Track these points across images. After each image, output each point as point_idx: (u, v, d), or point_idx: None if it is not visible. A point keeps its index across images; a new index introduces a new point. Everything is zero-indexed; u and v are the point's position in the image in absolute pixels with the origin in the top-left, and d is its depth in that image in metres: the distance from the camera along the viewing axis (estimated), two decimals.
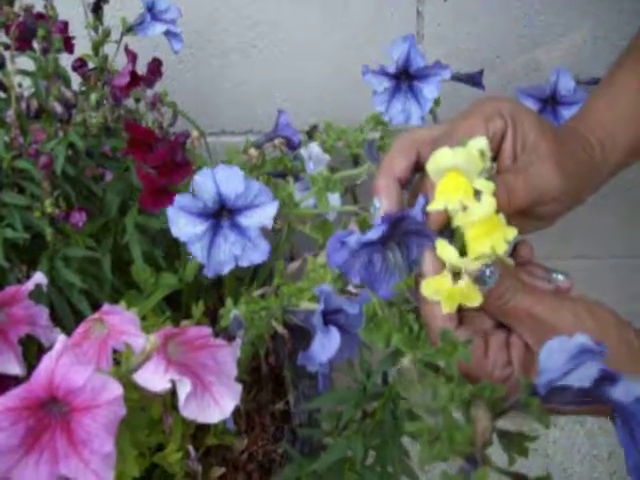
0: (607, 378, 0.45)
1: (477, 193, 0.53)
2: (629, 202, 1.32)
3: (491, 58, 1.19)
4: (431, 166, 0.54)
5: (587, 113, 0.72)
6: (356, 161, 1.11)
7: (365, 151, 0.94)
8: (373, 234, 0.54)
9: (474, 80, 1.10)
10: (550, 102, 1.09)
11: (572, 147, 0.65)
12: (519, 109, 0.63)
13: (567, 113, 1.09)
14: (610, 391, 0.45)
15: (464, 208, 0.53)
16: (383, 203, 0.60)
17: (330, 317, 0.67)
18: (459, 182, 0.53)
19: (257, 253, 0.75)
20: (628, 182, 1.29)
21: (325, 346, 0.64)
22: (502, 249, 0.53)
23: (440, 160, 0.54)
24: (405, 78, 1.02)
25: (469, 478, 0.44)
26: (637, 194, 1.32)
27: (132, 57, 0.91)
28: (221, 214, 0.75)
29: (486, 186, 0.53)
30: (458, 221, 0.54)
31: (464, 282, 0.54)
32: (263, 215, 0.74)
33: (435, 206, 0.53)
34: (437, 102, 1.06)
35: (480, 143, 0.55)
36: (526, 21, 1.17)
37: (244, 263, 0.76)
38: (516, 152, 0.62)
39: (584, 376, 0.45)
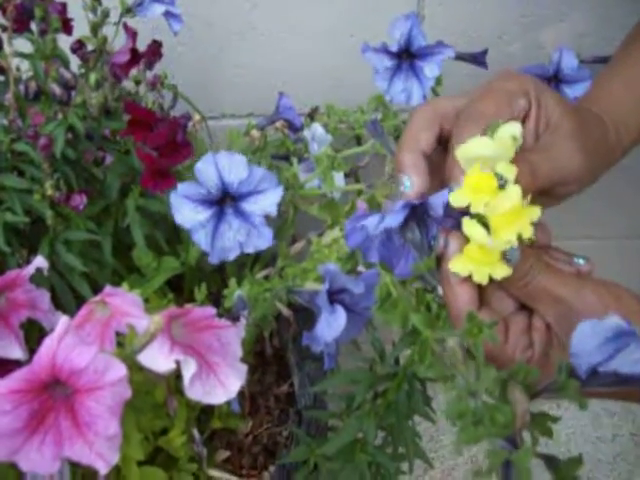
0: None
1: (500, 178, 0.53)
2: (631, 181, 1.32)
3: (493, 38, 1.18)
4: (461, 153, 0.53)
5: (601, 94, 0.71)
6: (359, 142, 1.10)
7: (368, 128, 0.93)
8: (394, 220, 0.53)
9: (477, 60, 1.09)
10: (553, 81, 1.08)
11: (591, 127, 0.64)
12: (542, 88, 0.62)
13: (570, 92, 1.08)
14: None
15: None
16: (413, 181, 0.58)
17: (335, 296, 0.66)
18: (486, 181, 0.52)
19: (262, 239, 0.75)
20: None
21: (331, 325, 0.64)
22: (529, 234, 0.53)
23: (471, 149, 0.53)
24: (406, 57, 1.01)
25: (512, 455, 0.44)
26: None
27: (132, 35, 0.89)
28: (225, 201, 0.74)
29: (509, 170, 0.52)
30: (482, 210, 0.53)
31: (491, 249, 0.53)
32: (267, 201, 0.74)
33: (459, 202, 0.53)
34: (439, 81, 1.05)
35: (513, 129, 0.54)
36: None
37: (249, 249, 0.76)
38: (538, 131, 0.61)
39: (635, 360, 0.45)
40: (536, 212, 0.53)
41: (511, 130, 0.54)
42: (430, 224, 0.57)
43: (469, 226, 0.53)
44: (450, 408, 0.47)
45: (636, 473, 1.43)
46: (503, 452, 0.45)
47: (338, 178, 0.95)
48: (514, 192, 0.52)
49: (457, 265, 0.54)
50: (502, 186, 0.52)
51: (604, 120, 0.67)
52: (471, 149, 0.53)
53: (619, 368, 0.45)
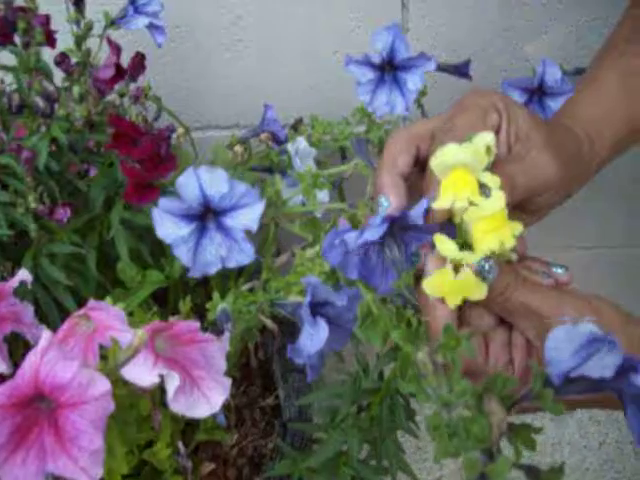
0: (629, 367, 0.45)
1: (482, 187, 0.53)
2: (615, 189, 1.32)
3: (477, 50, 1.19)
4: (436, 162, 0.53)
5: (574, 109, 0.72)
6: (343, 154, 1.10)
7: (353, 146, 0.93)
8: (373, 235, 0.53)
9: (460, 71, 1.09)
10: (537, 93, 1.09)
11: (563, 140, 0.65)
12: (511, 102, 0.63)
13: (554, 104, 1.08)
14: (633, 379, 0.45)
15: (471, 204, 0.52)
16: (392, 201, 0.59)
17: (318, 309, 0.66)
18: (466, 179, 0.53)
19: (243, 254, 0.75)
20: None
21: (313, 338, 0.64)
22: (511, 244, 0.53)
23: (446, 156, 0.53)
24: (389, 69, 1.01)
25: (488, 467, 0.44)
26: (622, 181, 1.32)
27: (116, 49, 0.90)
28: (206, 215, 0.74)
29: (493, 180, 0.53)
30: (465, 217, 0.53)
31: (466, 273, 0.53)
32: (248, 216, 0.73)
33: (442, 203, 0.53)
34: (423, 92, 1.05)
35: (486, 138, 0.54)
36: (511, 12, 1.17)
37: (230, 264, 0.76)
38: (510, 143, 0.62)
39: (604, 365, 0.45)
40: (518, 227, 0.53)
41: (484, 139, 0.54)
42: (409, 241, 0.57)
43: (440, 242, 0.52)
44: (428, 421, 0.47)
45: None
46: (479, 464, 0.45)
47: (322, 195, 0.95)
48: (498, 196, 0.52)
49: (430, 288, 0.54)
50: (486, 196, 0.53)
51: (578, 134, 0.67)
52: (446, 157, 0.53)
53: (589, 373, 0.45)
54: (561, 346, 0.46)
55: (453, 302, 0.54)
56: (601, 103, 0.71)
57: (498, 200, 0.52)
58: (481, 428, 0.45)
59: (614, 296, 0.59)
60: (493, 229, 0.52)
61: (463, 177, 0.53)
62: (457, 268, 0.53)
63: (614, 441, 1.48)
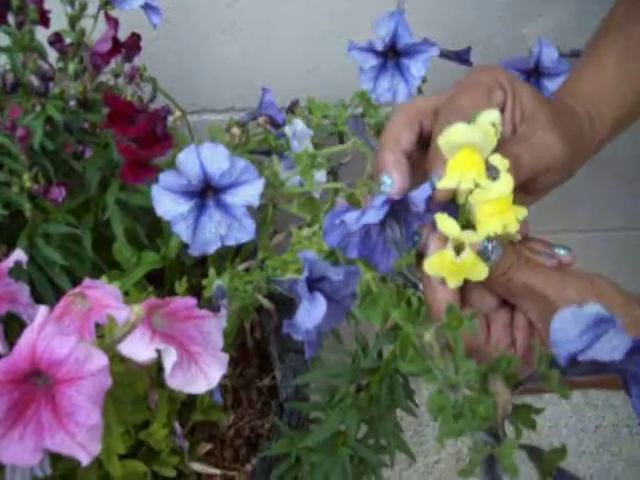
0: (636, 349, 0.45)
1: (489, 169, 0.52)
2: (613, 171, 1.32)
3: (474, 33, 1.19)
4: (443, 141, 0.53)
5: (574, 88, 0.72)
6: (341, 138, 1.10)
7: (350, 125, 0.93)
8: (374, 217, 0.53)
9: (461, 57, 1.09)
10: (533, 74, 1.09)
11: (566, 118, 0.65)
12: (516, 80, 0.63)
13: (551, 85, 1.08)
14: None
15: (476, 186, 0.52)
16: (395, 179, 0.58)
17: (315, 285, 0.66)
18: (473, 159, 0.52)
19: (243, 232, 0.75)
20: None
21: (311, 313, 0.64)
22: (514, 228, 0.52)
23: (454, 136, 0.52)
24: (392, 55, 1.01)
25: (495, 449, 0.44)
26: (623, 163, 1.32)
27: (113, 24, 0.89)
28: (206, 193, 0.74)
29: (501, 163, 0.52)
30: (470, 199, 0.52)
31: (467, 254, 0.52)
32: (249, 193, 0.73)
33: (447, 183, 0.52)
34: (424, 79, 1.05)
35: (492, 116, 0.53)
36: None
37: (230, 242, 0.76)
38: (515, 122, 0.62)
39: (613, 347, 0.45)
40: (522, 211, 0.53)
41: (490, 117, 0.54)
42: (410, 220, 0.56)
43: (442, 221, 0.52)
44: (431, 402, 0.47)
45: (618, 463, 1.44)
46: (485, 447, 0.45)
47: (320, 175, 0.95)
48: (506, 180, 0.51)
49: (431, 268, 0.54)
50: (493, 178, 0.52)
51: (579, 113, 0.67)
52: (453, 136, 0.52)
53: (598, 356, 0.45)
54: (567, 327, 0.46)
55: (454, 282, 0.54)
56: (599, 82, 0.71)
57: (506, 184, 0.51)
58: (487, 409, 0.45)
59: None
60: (498, 212, 0.52)
61: (470, 157, 0.52)
62: (459, 249, 0.53)
63: (610, 424, 1.49)
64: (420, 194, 0.53)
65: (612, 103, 0.70)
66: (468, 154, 0.52)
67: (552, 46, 1.07)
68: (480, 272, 0.53)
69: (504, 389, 0.47)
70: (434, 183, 0.54)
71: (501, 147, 0.55)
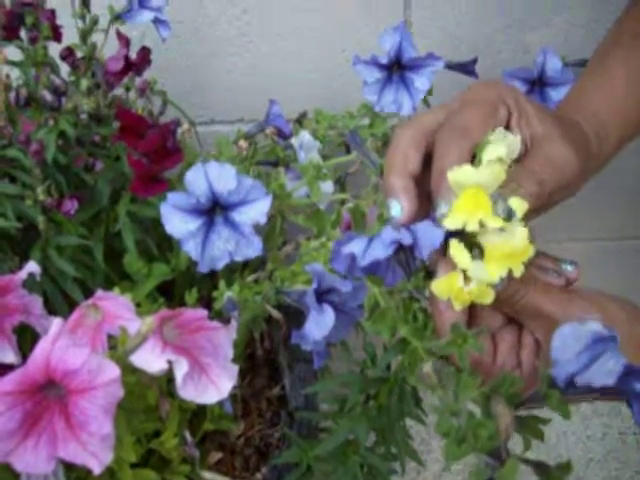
0: (631, 373, 0.45)
1: (496, 203, 0.52)
2: (616, 182, 1.33)
3: (480, 44, 1.19)
4: (451, 179, 0.52)
5: (579, 103, 0.72)
6: (347, 149, 1.11)
7: (349, 139, 0.94)
8: (382, 253, 0.52)
9: (467, 69, 1.09)
10: (538, 83, 1.09)
11: (574, 132, 0.65)
12: (519, 95, 0.62)
13: (555, 94, 1.08)
14: (635, 386, 0.46)
15: (481, 226, 0.51)
16: (405, 207, 0.57)
17: (324, 296, 0.67)
18: (479, 200, 0.51)
19: (251, 249, 0.75)
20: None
21: (319, 324, 0.64)
22: (519, 273, 0.52)
23: (462, 177, 0.51)
24: (397, 68, 1.01)
25: (496, 472, 0.45)
26: (625, 175, 1.33)
27: (125, 42, 0.90)
28: (214, 210, 0.75)
29: (520, 206, 0.51)
30: (481, 239, 0.52)
31: (474, 285, 0.53)
32: (256, 211, 0.74)
33: (452, 223, 0.52)
34: (429, 91, 1.05)
35: (499, 150, 0.53)
36: (513, 4, 1.17)
37: (238, 258, 0.76)
38: (524, 139, 0.61)
39: (607, 371, 0.45)
40: (530, 251, 0.52)
41: (498, 152, 0.53)
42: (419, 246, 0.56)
43: (455, 249, 0.52)
44: (438, 425, 0.47)
45: (626, 471, 1.44)
46: (486, 470, 0.45)
47: (326, 186, 0.96)
48: (521, 233, 0.51)
49: (439, 290, 0.54)
50: (509, 217, 0.52)
51: (584, 128, 0.67)
52: (461, 177, 0.52)
53: (593, 380, 0.46)
54: (567, 345, 0.47)
55: (461, 305, 0.54)
56: (605, 98, 0.71)
57: (521, 239, 0.51)
58: (489, 431, 0.46)
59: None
60: (506, 257, 0.52)
61: (476, 199, 0.51)
62: (467, 276, 0.53)
63: (617, 432, 1.49)
64: (426, 237, 0.53)
65: (619, 124, 0.70)
66: (474, 195, 0.51)
67: (556, 55, 1.08)
68: (487, 297, 0.54)
69: (506, 411, 0.48)
70: (439, 215, 0.54)
71: (521, 167, 0.55)
